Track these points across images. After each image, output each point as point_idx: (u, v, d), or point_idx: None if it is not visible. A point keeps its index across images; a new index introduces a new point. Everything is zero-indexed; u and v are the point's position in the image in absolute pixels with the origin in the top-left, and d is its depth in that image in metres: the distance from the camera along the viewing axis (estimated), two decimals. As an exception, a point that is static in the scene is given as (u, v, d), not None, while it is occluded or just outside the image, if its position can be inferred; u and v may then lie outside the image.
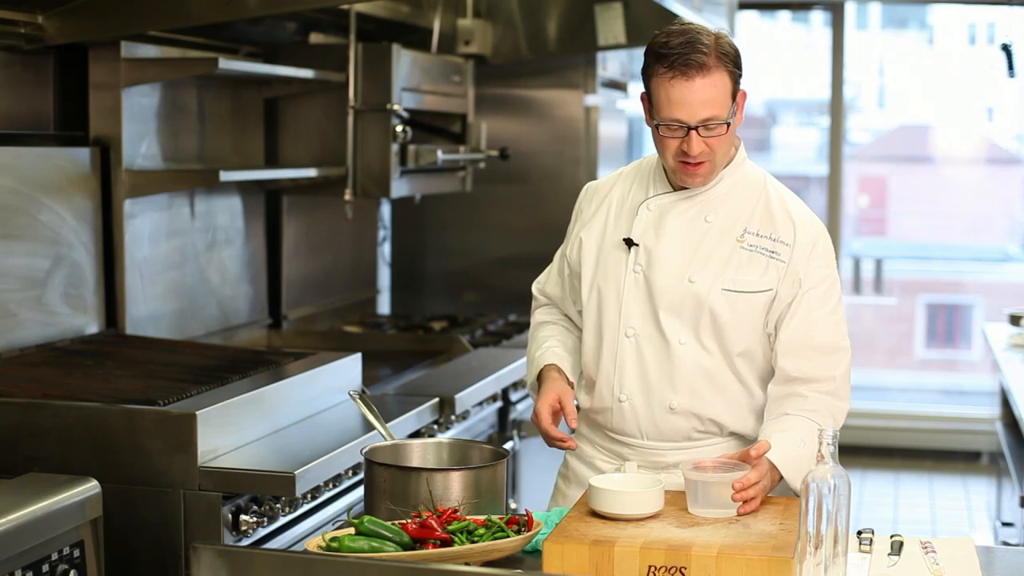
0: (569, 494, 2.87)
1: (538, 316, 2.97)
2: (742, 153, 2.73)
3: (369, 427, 2.78)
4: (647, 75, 2.60)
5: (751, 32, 8.95)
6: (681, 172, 2.63)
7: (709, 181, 2.67)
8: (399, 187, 4.53)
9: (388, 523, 2.28)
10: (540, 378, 2.81)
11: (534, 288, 2.99)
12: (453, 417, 3.79)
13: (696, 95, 2.53)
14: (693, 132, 2.55)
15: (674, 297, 2.66)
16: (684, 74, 2.52)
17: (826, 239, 2.71)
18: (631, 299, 2.70)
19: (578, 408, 2.83)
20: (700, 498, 2.43)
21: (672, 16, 4.85)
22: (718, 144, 2.59)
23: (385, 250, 5.56)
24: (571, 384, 2.80)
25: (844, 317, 2.73)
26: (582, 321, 2.82)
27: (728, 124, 2.57)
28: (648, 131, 2.70)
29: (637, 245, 2.70)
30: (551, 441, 2.69)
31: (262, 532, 2.92)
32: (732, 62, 2.57)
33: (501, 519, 2.34)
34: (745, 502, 2.44)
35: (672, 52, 2.53)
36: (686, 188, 2.69)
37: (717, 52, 2.55)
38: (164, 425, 2.82)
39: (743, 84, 2.62)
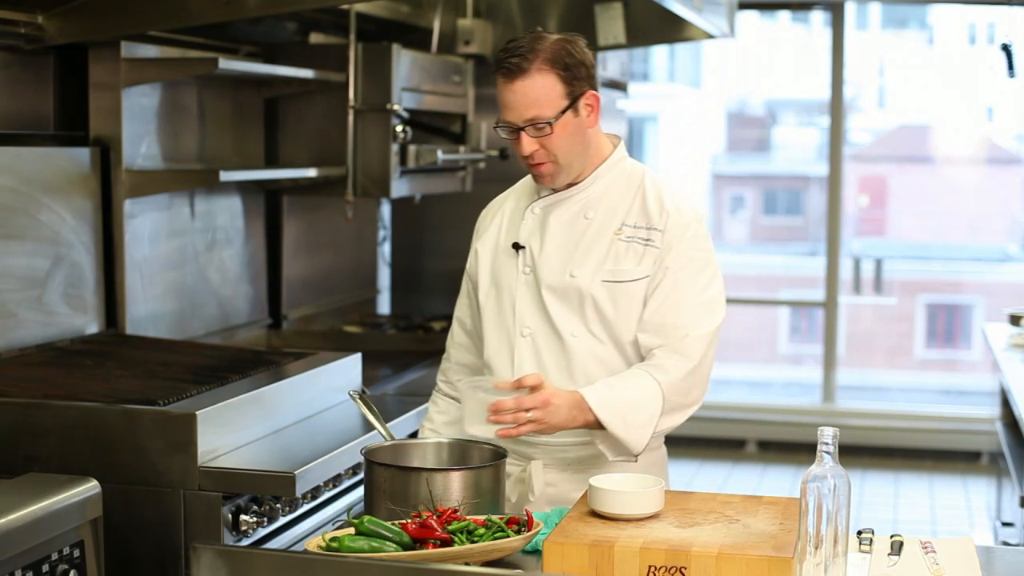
0: None
1: (439, 381, 3.04)
2: (620, 151, 2.83)
3: (369, 427, 2.79)
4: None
5: (751, 32, 8.96)
6: (530, 172, 2.77)
7: (560, 181, 2.76)
8: (399, 187, 4.53)
9: (388, 523, 2.28)
10: None
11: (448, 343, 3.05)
12: (453, 417, 3.79)
13: (517, 96, 2.65)
14: (522, 133, 2.67)
15: (560, 292, 2.76)
16: (506, 76, 2.66)
17: (700, 226, 2.77)
18: (523, 300, 2.79)
19: None
20: (466, 410, 2.52)
21: (672, 16, 4.85)
22: (552, 144, 2.68)
23: (385, 250, 5.56)
24: None
25: (720, 305, 2.74)
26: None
27: (550, 124, 2.65)
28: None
29: (524, 247, 2.80)
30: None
31: (262, 532, 2.93)
32: (561, 66, 2.66)
33: (501, 519, 2.34)
34: (519, 425, 2.53)
35: (499, 58, 2.68)
36: (569, 187, 2.79)
37: (542, 56, 2.65)
38: (164, 425, 2.82)
39: (602, 89, 2.75)
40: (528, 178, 2.91)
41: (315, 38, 4.63)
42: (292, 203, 4.72)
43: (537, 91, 2.64)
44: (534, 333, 2.77)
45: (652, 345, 2.71)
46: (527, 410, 2.54)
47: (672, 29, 5.27)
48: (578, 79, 2.67)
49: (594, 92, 2.71)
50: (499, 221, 2.89)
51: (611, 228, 2.75)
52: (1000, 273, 11.44)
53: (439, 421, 2.97)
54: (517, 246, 2.81)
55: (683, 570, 2.20)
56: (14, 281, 3.37)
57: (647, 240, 2.73)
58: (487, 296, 2.86)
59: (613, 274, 2.72)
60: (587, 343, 2.75)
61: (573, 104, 2.67)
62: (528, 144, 2.68)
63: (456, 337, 3.00)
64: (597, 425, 2.62)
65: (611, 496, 2.39)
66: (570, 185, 2.78)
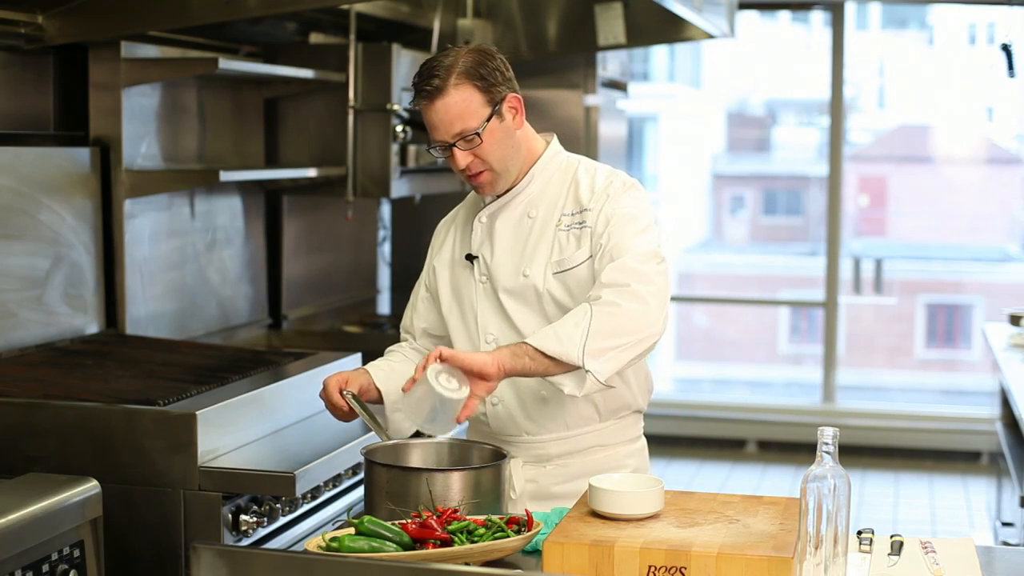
0: None
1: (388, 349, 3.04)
2: (553, 147, 2.85)
3: (369, 427, 2.78)
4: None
5: (751, 32, 8.96)
6: (470, 184, 2.79)
7: (500, 187, 2.79)
8: (399, 187, 4.53)
9: (388, 523, 2.28)
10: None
11: (401, 327, 3.06)
12: (453, 417, 3.79)
13: (440, 115, 2.68)
14: (454, 148, 2.70)
15: (515, 293, 2.78)
16: (427, 98, 2.69)
17: (627, 189, 2.74)
18: (484, 308, 2.82)
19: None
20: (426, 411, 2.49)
21: (672, 16, 4.86)
22: (484, 152, 2.71)
23: (385, 250, 5.56)
24: (376, 387, 2.80)
25: (657, 247, 2.69)
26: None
27: (479, 134, 2.67)
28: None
29: (477, 257, 2.83)
30: (334, 410, 2.73)
31: (262, 532, 2.93)
32: (476, 76, 2.67)
33: (501, 519, 2.34)
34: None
35: (415, 83, 2.72)
36: (508, 192, 2.81)
37: (455, 71, 2.67)
38: (164, 425, 2.82)
39: (516, 89, 2.74)
40: (471, 195, 2.96)
41: (315, 38, 4.63)
42: (292, 203, 4.72)
43: (459, 106, 2.67)
44: (497, 339, 2.79)
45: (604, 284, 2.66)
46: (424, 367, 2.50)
47: (672, 29, 5.27)
48: (496, 85, 2.70)
49: (515, 94, 2.74)
50: (452, 235, 2.93)
51: (553, 222, 2.79)
52: (1000, 273, 11.44)
53: (387, 359, 2.92)
54: (471, 257, 2.84)
55: (683, 570, 2.20)
56: (14, 281, 3.37)
57: (581, 223, 2.75)
58: (450, 310, 2.89)
59: (560, 264, 2.75)
60: None
61: (496, 110, 2.70)
62: (462, 158, 2.70)
63: (412, 325, 2.99)
64: (541, 360, 2.56)
65: (611, 496, 2.39)
66: (509, 189, 2.82)
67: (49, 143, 3.63)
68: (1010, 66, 5.36)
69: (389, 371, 2.85)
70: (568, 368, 2.57)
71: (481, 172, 2.74)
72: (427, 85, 2.68)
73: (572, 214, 2.78)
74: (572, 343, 2.57)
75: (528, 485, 2.81)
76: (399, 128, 4.45)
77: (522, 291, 2.78)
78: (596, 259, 2.72)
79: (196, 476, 2.80)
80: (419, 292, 3.00)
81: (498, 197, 2.83)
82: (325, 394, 2.74)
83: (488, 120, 2.69)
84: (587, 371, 2.56)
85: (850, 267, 8.45)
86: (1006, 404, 5.35)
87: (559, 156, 2.86)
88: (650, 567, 2.21)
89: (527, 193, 2.82)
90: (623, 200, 2.75)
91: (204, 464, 2.82)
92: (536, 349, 2.56)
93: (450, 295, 2.90)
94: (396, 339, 4.72)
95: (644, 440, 2.94)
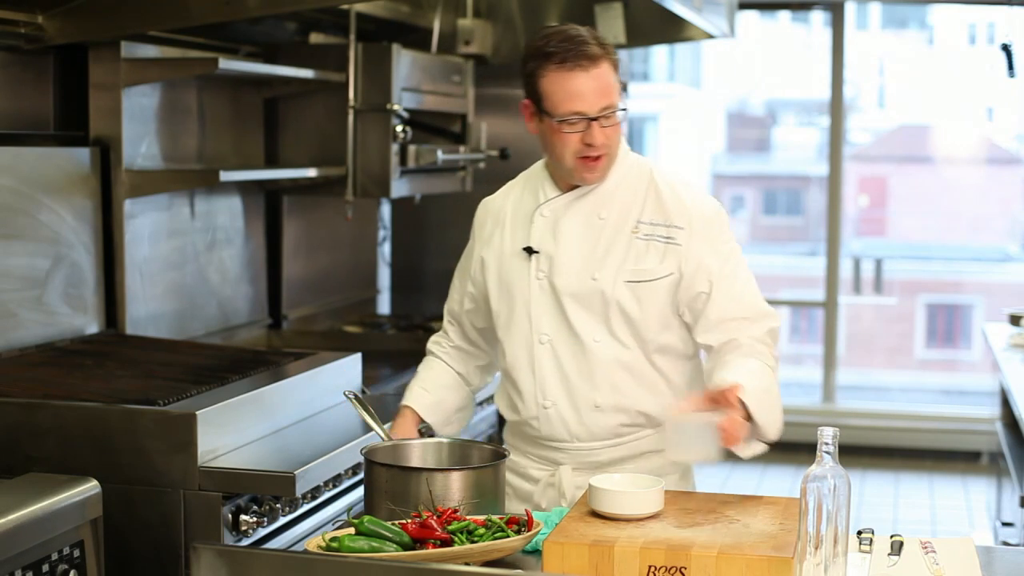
0: (509, 509, 2.86)
1: (430, 344, 3.04)
2: (624, 146, 2.78)
3: (369, 427, 2.79)
4: (535, 77, 2.64)
5: (751, 32, 8.95)
6: (581, 169, 2.67)
7: (606, 176, 2.71)
8: (399, 187, 4.53)
9: (388, 523, 2.28)
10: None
11: (445, 310, 3.03)
12: (453, 417, 3.79)
13: (592, 84, 2.59)
14: (594, 123, 2.61)
15: (581, 296, 2.71)
16: (580, 66, 2.59)
17: (721, 217, 2.76)
18: (539, 306, 2.74)
19: (503, 421, 2.92)
20: (681, 442, 2.43)
21: (672, 16, 4.86)
22: (614, 134, 2.65)
23: (385, 250, 5.56)
24: (423, 421, 2.88)
25: (756, 285, 2.75)
26: (490, 338, 2.89)
27: (624, 110, 2.63)
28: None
29: (537, 252, 2.74)
30: None
31: (262, 532, 2.92)
32: (612, 52, 2.65)
33: (501, 519, 2.34)
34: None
35: (560, 48, 2.60)
36: (576, 188, 2.73)
37: (599, 43, 2.63)
38: (164, 425, 2.82)
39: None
40: (525, 177, 2.87)
41: (315, 38, 4.63)
42: (292, 203, 4.72)
43: (608, 78, 2.61)
44: (552, 339, 2.73)
45: (725, 340, 2.69)
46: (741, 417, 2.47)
47: (672, 29, 5.27)
48: (618, 66, 2.66)
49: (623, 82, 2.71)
50: (501, 225, 2.83)
51: (627, 227, 2.71)
52: (1000, 273, 11.44)
53: (430, 380, 2.93)
54: (530, 250, 2.75)
55: (683, 570, 2.20)
56: (14, 281, 3.37)
57: (667, 238, 2.69)
58: (499, 304, 2.80)
59: (636, 274, 2.68)
60: (611, 348, 2.71)
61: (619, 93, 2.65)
62: (600, 134, 2.61)
63: (453, 328, 2.97)
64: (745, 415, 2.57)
65: (611, 496, 2.39)
66: (574, 186, 2.74)
67: (49, 143, 3.63)
68: (1010, 66, 5.36)
69: (435, 404, 2.88)
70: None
71: (602, 156, 2.65)
72: (584, 50, 2.58)
73: (653, 224, 2.70)
74: (775, 422, 2.59)
75: (578, 492, 2.75)
76: (399, 128, 4.45)
77: (588, 295, 2.70)
78: (713, 295, 2.67)
79: (196, 476, 2.80)
80: (464, 281, 2.91)
81: (565, 192, 2.74)
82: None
83: (620, 98, 2.63)
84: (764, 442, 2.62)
85: (850, 267, 8.46)
86: (1006, 404, 5.35)
87: (630, 156, 2.78)
88: (650, 567, 2.21)
89: (599, 192, 2.73)
90: (726, 234, 2.72)
91: (204, 464, 2.81)
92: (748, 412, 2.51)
93: (498, 288, 2.80)
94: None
95: None
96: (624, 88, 6.02)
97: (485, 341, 2.96)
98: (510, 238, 2.80)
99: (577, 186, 2.73)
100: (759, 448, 2.66)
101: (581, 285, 2.70)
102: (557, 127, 2.62)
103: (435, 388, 2.93)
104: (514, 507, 2.82)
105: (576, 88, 2.59)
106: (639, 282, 2.68)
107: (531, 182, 2.83)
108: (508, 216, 2.83)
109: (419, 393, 2.92)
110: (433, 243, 5.61)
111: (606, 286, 2.69)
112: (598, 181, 2.70)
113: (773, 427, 2.63)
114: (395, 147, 4.46)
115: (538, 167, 2.85)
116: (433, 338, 3.04)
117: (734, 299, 2.70)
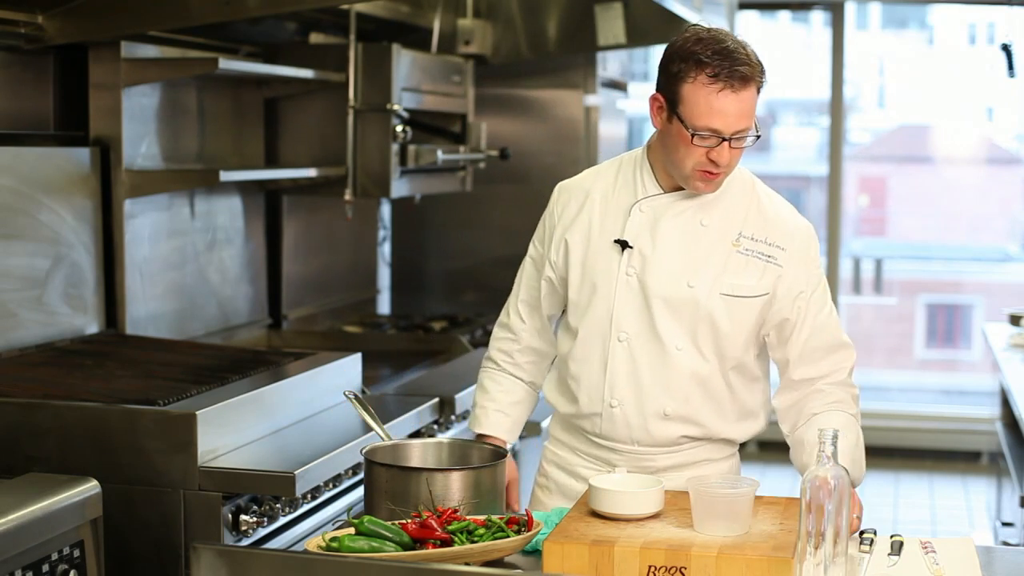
0: (549, 504, 2.84)
1: (493, 353, 2.90)
2: None
3: (369, 427, 2.79)
4: (679, 79, 2.53)
5: (751, 32, 8.94)
6: (698, 180, 2.58)
7: (718, 188, 2.64)
8: (399, 187, 4.53)
9: (388, 523, 2.28)
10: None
11: (510, 308, 2.89)
12: (453, 417, 3.79)
13: (737, 106, 2.50)
14: (725, 143, 2.52)
15: (673, 301, 2.63)
16: (731, 86, 2.49)
17: (815, 241, 2.73)
18: (624, 302, 2.66)
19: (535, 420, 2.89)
20: (708, 513, 2.34)
21: (672, 16, 4.85)
22: (740, 154, 2.58)
23: (385, 250, 5.56)
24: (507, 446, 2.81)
25: (837, 314, 2.76)
26: (560, 327, 2.79)
27: (757, 136, 2.54)
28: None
29: (631, 247, 2.65)
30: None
31: (262, 532, 2.92)
32: (762, 73, 2.55)
33: (501, 519, 2.34)
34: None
35: (716, 61, 2.49)
36: (680, 190, 2.66)
37: (755, 65, 2.52)
38: (164, 425, 2.82)
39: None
40: (616, 165, 2.75)
41: (315, 38, 4.63)
42: (292, 203, 4.72)
43: (751, 101, 2.52)
44: (631, 339, 2.65)
45: (808, 377, 2.68)
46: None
47: (672, 29, 5.26)
48: (762, 88, 2.56)
49: None
50: (589, 211, 2.71)
51: (728, 238, 2.64)
52: (1000, 273, 11.43)
53: (505, 401, 2.83)
54: (625, 244, 2.65)
55: (683, 570, 2.20)
56: (14, 281, 3.37)
57: (768, 256, 2.64)
58: (579, 294, 2.70)
59: (733, 288, 2.63)
60: (691, 359, 2.65)
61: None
62: (728, 155, 2.53)
63: (529, 321, 2.83)
64: None
65: (611, 496, 2.39)
66: (678, 187, 2.65)
67: (49, 143, 3.63)
68: (1010, 66, 5.37)
69: (514, 425, 2.84)
70: None
71: (722, 172, 2.57)
72: (739, 71, 2.48)
73: (755, 239, 2.64)
74: (861, 473, 2.62)
75: None
76: (399, 128, 4.45)
77: (680, 301, 2.62)
78: (806, 319, 2.65)
79: (196, 476, 2.80)
80: (541, 267, 2.78)
81: (668, 191, 2.66)
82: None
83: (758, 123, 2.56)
84: None
85: (850, 267, 8.46)
86: (1006, 404, 5.35)
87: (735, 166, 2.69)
88: (650, 567, 2.21)
89: (703, 199, 2.64)
90: (818, 259, 2.71)
91: (204, 464, 2.81)
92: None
93: (581, 275, 2.70)
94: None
95: (738, 456, 2.88)
96: (623, 88, 6.02)
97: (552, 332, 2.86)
98: (599, 227, 2.69)
99: (681, 188, 2.65)
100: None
101: (675, 290, 2.63)
102: (688, 136, 2.53)
103: (510, 407, 2.85)
104: (555, 501, 2.81)
105: (720, 107, 2.49)
106: (735, 296, 2.63)
107: (625, 172, 2.73)
108: (597, 203, 2.72)
109: (499, 420, 2.83)
110: (433, 243, 5.61)
111: (701, 295, 2.62)
112: (711, 192, 2.63)
113: (862, 474, 2.66)
114: (395, 147, 4.46)
115: (636, 156, 2.73)
116: (496, 345, 2.90)
117: (819, 328, 2.68)
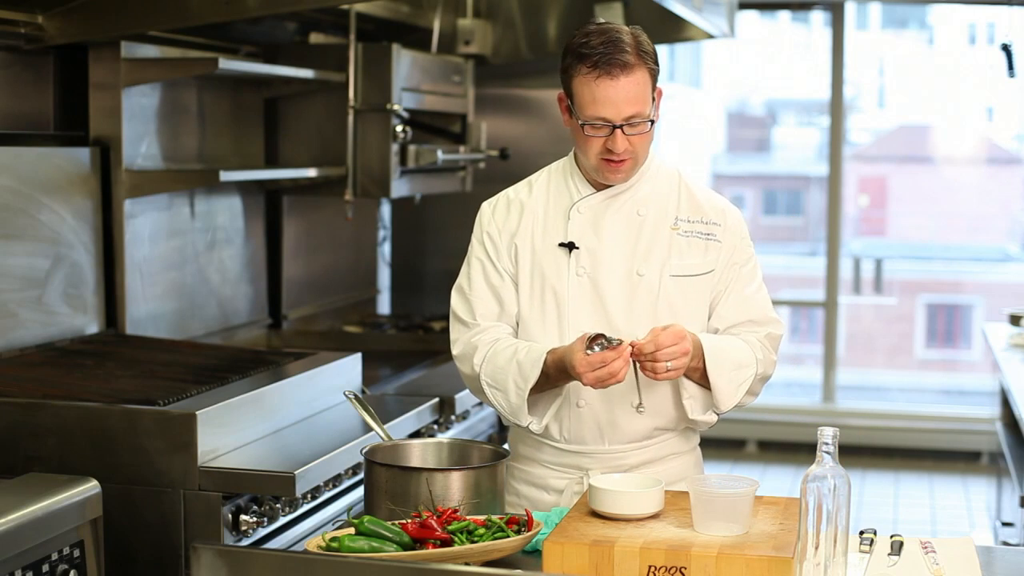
0: None
1: (468, 349, 2.73)
2: (653, 147, 2.78)
3: (369, 427, 2.79)
4: (568, 75, 2.63)
5: (751, 32, 8.95)
6: (604, 169, 2.65)
7: (631, 177, 2.70)
8: (399, 187, 4.53)
9: (388, 523, 2.28)
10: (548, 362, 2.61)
11: (469, 320, 2.75)
12: (453, 417, 3.79)
13: (620, 93, 2.56)
14: (618, 130, 2.58)
15: (627, 294, 2.68)
16: (609, 73, 2.56)
17: (744, 223, 2.83)
18: (578, 303, 2.69)
19: (503, 427, 2.86)
20: (708, 513, 2.34)
21: (672, 16, 4.85)
22: (640, 141, 2.63)
23: (385, 250, 5.56)
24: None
25: (767, 291, 2.81)
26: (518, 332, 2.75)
27: (652, 121, 2.61)
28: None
29: (577, 248, 2.70)
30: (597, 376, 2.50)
31: (262, 532, 2.93)
32: (652, 59, 2.62)
33: (501, 519, 2.34)
34: (656, 369, 2.49)
35: (595, 52, 2.57)
36: (609, 187, 2.72)
37: (637, 50, 2.59)
38: (164, 425, 2.82)
39: (659, 82, 2.68)
40: (547, 173, 2.79)
41: (315, 38, 4.63)
42: (292, 203, 4.72)
43: (639, 87, 2.57)
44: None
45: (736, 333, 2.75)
46: (668, 347, 2.48)
47: (672, 29, 5.27)
48: (658, 72, 2.64)
49: (661, 88, 2.67)
50: (531, 218, 2.74)
51: (666, 223, 2.71)
52: (1000, 273, 11.44)
53: (507, 339, 2.70)
54: (571, 246, 2.69)
55: (683, 570, 2.20)
56: (14, 281, 3.37)
57: (707, 235, 2.72)
58: (531, 298, 2.72)
59: (681, 268, 2.70)
60: None
61: (653, 98, 2.63)
62: (623, 142, 2.58)
63: (489, 318, 2.73)
64: (700, 374, 2.63)
65: (611, 496, 2.39)
66: (606, 185, 2.71)
67: (49, 143, 3.63)
68: (1010, 66, 5.36)
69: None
70: (704, 387, 2.65)
71: (626, 160, 2.62)
72: (617, 58, 2.54)
73: (691, 221, 2.72)
74: (730, 395, 2.67)
75: None
76: (399, 128, 4.45)
77: (632, 291, 2.67)
78: (729, 291, 2.72)
79: (196, 476, 2.80)
80: (492, 279, 2.73)
81: (599, 190, 2.71)
82: (586, 363, 2.47)
83: (653, 109, 2.61)
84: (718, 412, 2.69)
85: (850, 267, 8.46)
86: (1006, 404, 5.35)
87: (656, 158, 2.78)
88: (650, 567, 2.21)
89: (636, 190, 2.72)
90: (748, 238, 2.79)
91: (204, 464, 2.82)
92: (705, 367, 2.60)
93: (530, 281, 2.72)
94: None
95: (699, 451, 2.90)
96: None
97: None
98: (542, 233, 2.73)
99: (608, 185, 2.71)
100: (710, 418, 2.72)
101: (626, 281, 2.68)
102: (581, 128, 2.61)
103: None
104: None
105: (602, 95, 2.56)
106: (684, 276, 2.70)
107: (557, 179, 2.78)
108: (539, 210, 2.75)
109: (538, 346, 2.66)
110: (433, 243, 5.61)
111: (652, 281, 2.68)
112: (622, 182, 2.70)
113: (727, 397, 2.67)
114: (395, 147, 4.46)
115: (564, 163, 2.80)
116: (468, 343, 2.73)
117: (746, 300, 2.74)
